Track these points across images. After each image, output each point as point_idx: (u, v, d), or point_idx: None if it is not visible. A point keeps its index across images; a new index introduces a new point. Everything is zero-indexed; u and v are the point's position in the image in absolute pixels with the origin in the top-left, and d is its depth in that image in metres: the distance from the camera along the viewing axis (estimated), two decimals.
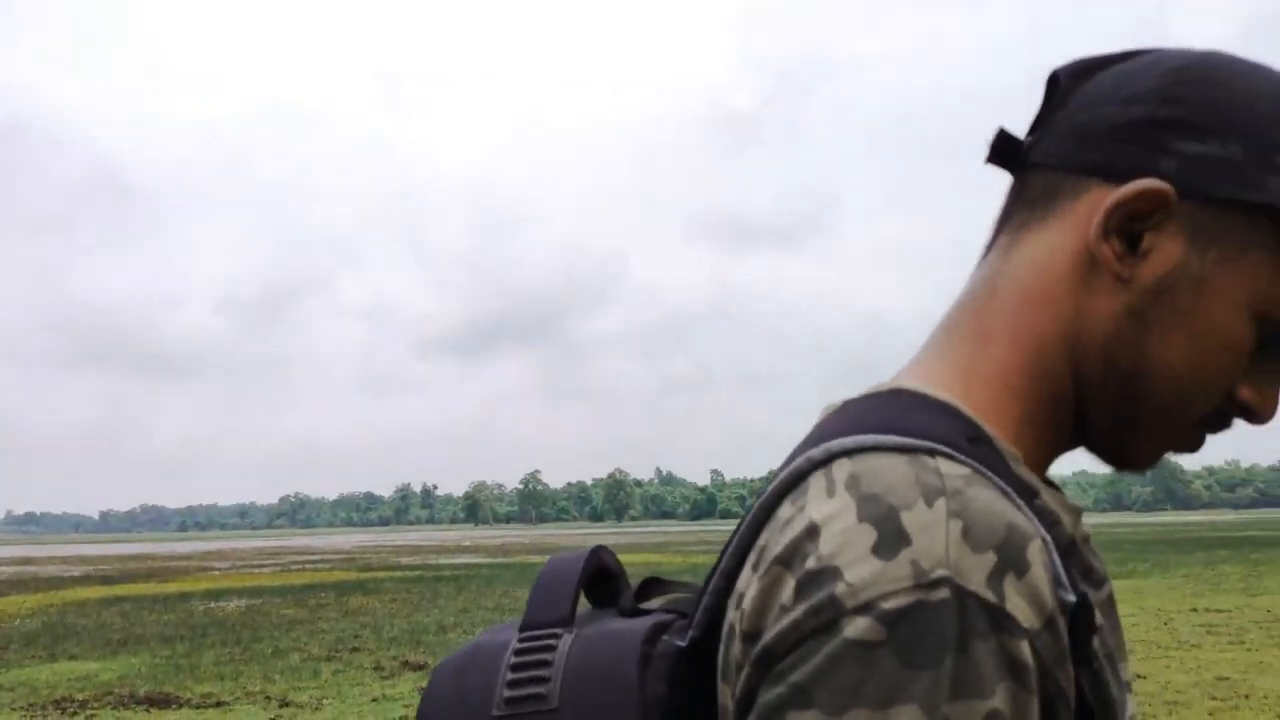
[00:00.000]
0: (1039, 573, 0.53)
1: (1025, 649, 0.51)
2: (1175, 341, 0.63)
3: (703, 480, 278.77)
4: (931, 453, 0.57)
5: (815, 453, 0.59)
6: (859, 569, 0.52)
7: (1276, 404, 0.66)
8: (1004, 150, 0.69)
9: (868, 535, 0.53)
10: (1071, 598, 0.54)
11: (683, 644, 0.64)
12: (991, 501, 0.54)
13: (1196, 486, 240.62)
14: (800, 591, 0.53)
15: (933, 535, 0.52)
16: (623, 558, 0.84)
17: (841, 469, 0.57)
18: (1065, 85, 0.67)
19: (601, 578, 0.77)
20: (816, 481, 0.58)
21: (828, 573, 0.53)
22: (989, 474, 0.57)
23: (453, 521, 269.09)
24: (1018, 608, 0.52)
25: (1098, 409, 0.66)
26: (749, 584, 0.57)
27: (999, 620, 0.51)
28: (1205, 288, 0.62)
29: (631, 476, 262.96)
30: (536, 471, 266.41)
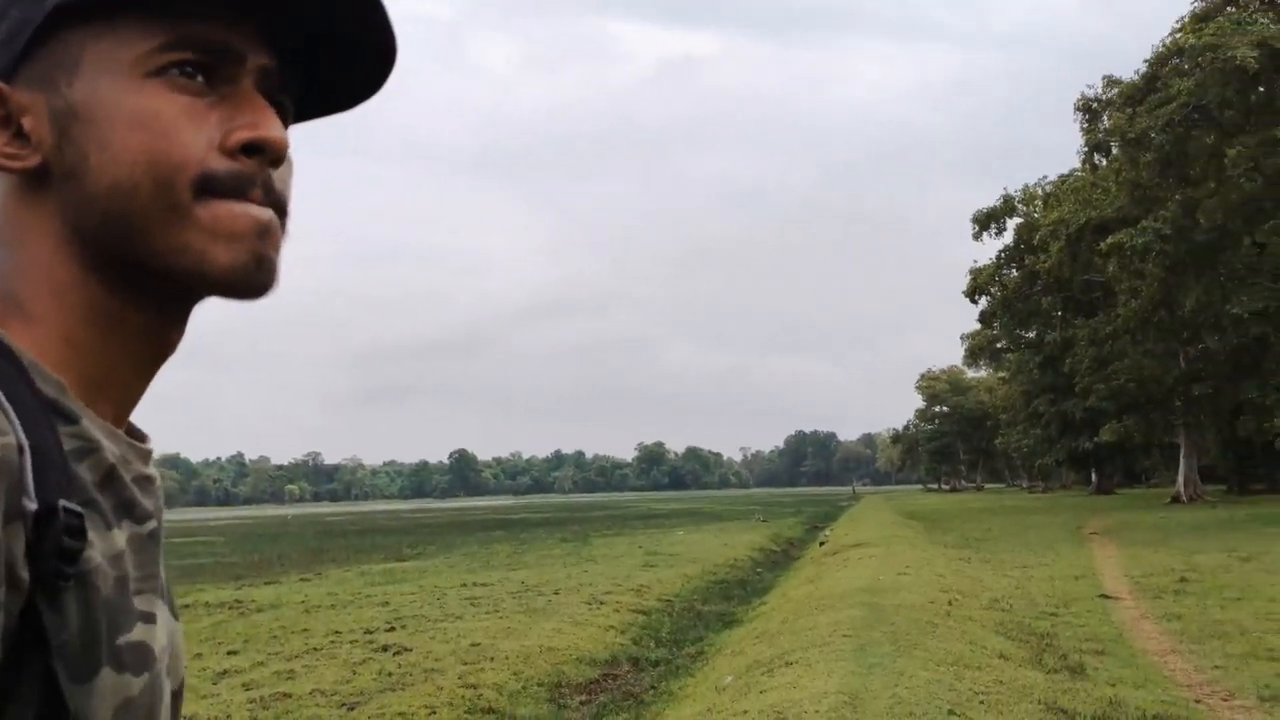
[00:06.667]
0: None
1: None
2: (115, 161, 0.62)
3: None
4: None
5: None
6: None
7: (261, 120, 0.65)
8: None
9: None
10: (34, 506, 0.55)
11: None
12: None
13: (486, 475, 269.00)
14: None
15: None
16: None
17: None
18: None
19: None
20: None
21: None
22: None
23: None
24: None
25: (144, 264, 0.64)
26: None
27: None
28: (87, 107, 0.63)
29: None
30: None
